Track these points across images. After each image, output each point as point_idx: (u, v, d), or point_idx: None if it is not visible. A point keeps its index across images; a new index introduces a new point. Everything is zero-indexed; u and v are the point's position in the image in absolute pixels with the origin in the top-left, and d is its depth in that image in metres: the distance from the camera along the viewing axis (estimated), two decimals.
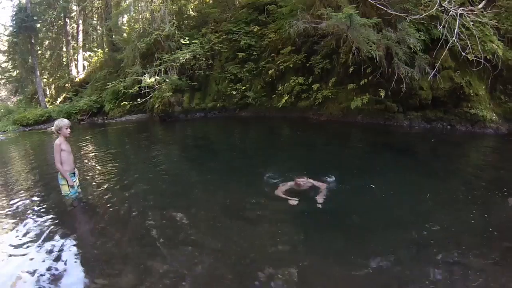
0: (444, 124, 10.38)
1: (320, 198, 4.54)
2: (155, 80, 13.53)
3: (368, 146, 8.71)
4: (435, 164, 7.06)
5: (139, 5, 20.36)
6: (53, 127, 4.91)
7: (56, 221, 4.39)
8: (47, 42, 25.78)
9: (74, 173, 4.87)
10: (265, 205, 4.56)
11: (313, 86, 12.34)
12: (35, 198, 5.41)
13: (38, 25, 21.93)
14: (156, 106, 13.60)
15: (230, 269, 3.24)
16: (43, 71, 24.48)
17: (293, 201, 4.46)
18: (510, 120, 10.63)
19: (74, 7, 24.11)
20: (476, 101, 10.10)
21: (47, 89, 24.49)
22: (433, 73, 9.45)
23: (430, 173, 6.24)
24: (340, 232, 3.89)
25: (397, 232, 3.88)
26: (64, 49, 24.59)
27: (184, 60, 13.58)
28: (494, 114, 10.12)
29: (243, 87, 13.71)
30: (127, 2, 22.21)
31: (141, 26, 16.21)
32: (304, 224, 4.15)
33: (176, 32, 14.60)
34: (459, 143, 8.97)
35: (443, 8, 8.99)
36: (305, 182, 4.79)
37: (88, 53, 24.38)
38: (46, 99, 21.87)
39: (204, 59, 14.11)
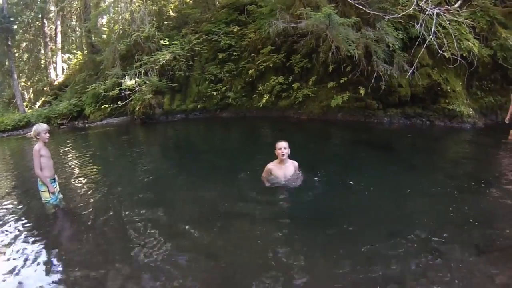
0: (423, 120, 10.61)
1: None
2: (136, 82, 13.37)
3: (349, 143, 8.85)
4: (415, 158, 7.23)
5: (119, 5, 20.11)
6: (31, 132, 4.85)
7: (37, 228, 4.31)
8: (24, 44, 25.16)
9: (54, 179, 4.80)
10: (247, 206, 4.56)
11: (293, 85, 12.44)
12: (15, 205, 5.30)
13: (15, 27, 21.36)
14: (137, 108, 13.43)
15: (216, 271, 3.24)
16: (20, 74, 23.90)
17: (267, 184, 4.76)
18: (486, 115, 11.00)
19: (52, 8, 23.57)
20: (453, 97, 10.37)
21: (25, 93, 23.95)
22: (411, 70, 9.66)
23: (410, 168, 6.40)
24: (323, 230, 3.91)
25: (380, 227, 3.95)
26: (42, 51, 24.03)
27: (164, 61, 13.48)
28: (471, 109, 10.43)
29: (224, 88, 13.70)
30: (106, 2, 21.92)
31: (120, 27, 15.99)
32: (287, 223, 4.16)
33: (156, 33, 14.46)
34: (437, 138, 9.23)
35: (420, 7, 9.19)
36: (286, 146, 4.81)
37: (67, 55, 23.92)
38: (24, 103, 21.33)
39: (184, 60, 14.02)
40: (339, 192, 4.99)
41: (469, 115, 10.23)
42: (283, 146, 4.76)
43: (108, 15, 20.73)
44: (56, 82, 21.64)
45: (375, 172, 6.07)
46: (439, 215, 4.13)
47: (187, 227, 4.14)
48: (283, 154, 4.75)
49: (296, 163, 5.02)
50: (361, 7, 9.71)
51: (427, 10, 9.12)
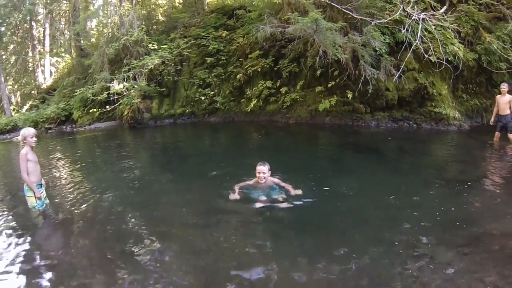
0: (410, 123, 10.75)
1: (294, 191, 4.74)
2: (124, 86, 13.31)
3: (336, 147, 8.91)
4: (401, 161, 7.36)
5: (108, 9, 20.00)
6: (19, 137, 4.81)
7: (23, 234, 4.23)
8: (11, 46, 24.84)
9: (41, 184, 4.74)
10: (232, 209, 4.57)
11: (281, 89, 12.52)
12: (0, 211, 5.19)
13: (3, 29, 21.16)
14: (125, 113, 13.36)
15: (201, 275, 3.23)
16: (7, 78, 23.59)
17: (234, 196, 4.72)
18: (472, 117, 11.22)
19: (41, 10, 23.33)
20: (439, 100, 10.54)
21: (12, 96, 23.61)
22: (398, 74, 9.77)
23: (397, 170, 6.48)
24: (309, 234, 3.92)
25: (366, 230, 3.97)
26: (30, 54, 23.68)
27: (152, 65, 13.44)
28: (457, 112, 10.61)
29: (212, 92, 13.75)
30: (96, 6, 21.75)
31: (109, 31, 15.88)
32: (272, 227, 4.16)
33: (145, 37, 14.43)
34: (424, 140, 9.34)
35: (406, 13, 9.31)
36: (265, 171, 4.79)
37: (55, 58, 23.61)
38: (12, 107, 20.97)
39: (172, 64, 14.03)
40: (326, 195, 5.00)
41: (455, 117, 10.41)
42: (262, 171, 4.78)
43: (97, 18, 20.53)
44: (44, 86, 21.36)
45: (362, 175, 6.14)
46: (425, 217, 4.17)
47: (173, 230, 4.14)
48: (262, 178, 4.80)
49: (276, 180, 5.02)
50: (348, 12, 9.82)
51: (413, 15, 9.25)
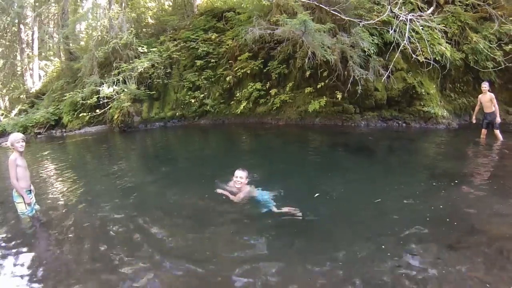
0: (400, 122, 10.87)
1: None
2: (114, 90, 13.19)
3: (326, 147, 9.00)
4: (391, 160, 7.48)
5: (97, 12, 19.80)
6: (7, 142, 4.74)
7: (12, 241, 4.19)
8: (0, 50, 24.43)
9: (30, 190, 4.70)
10: (224, 212, 4.58)
11: (270, 91, 12.56)
12: None
13: None
14: (115, 117, 13.25)
15: (194, 278, 3.23)
16: None
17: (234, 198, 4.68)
18: (460, 116, 11.41)
19: (29, 13, 22.98)
20: (427, 99, 10.69)
21: (1, 100, 23.28)
22: (386, 74, 9.87)
23: (386, 169, 6.59)
24: (299, 234, 3.95)
25: (356, 229, 4.03)
26: (19, 57, 23.37)
27: (142, 69, 13.37)
28: (445, 111, 10.77)
29: (202, 95, 13.73)
30: (85, 9, 21.54)
31: (99, 34, 15.72)
32: (263, 228, 4.16)
33: (134, 40, 14.32)
34: (413, 139, 9.49)
35: (394, 14, 9.39)
36: (243, 177, 4.77)
37: (44, 62, 23.35)
38: (0, 112, 20.71)
39: (162, 67, 13.97)
40: (316, 195, 5.02)
41: (443, 116, 10.57)
42: (239, 175, 4.80)
43: (86, 21, 20.32)
44: (33, 90, 21.05)
45: (351, 175, 6.21)
46: (414, 215, 4.26)
47: (164, 234, 4.12)
48: (238, 183, 4.81)
49: (254, 194, 4.92)
50: (336, 13, 9.86)
51: (400, 16, 9.33)
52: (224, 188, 5.10)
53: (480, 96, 8.54)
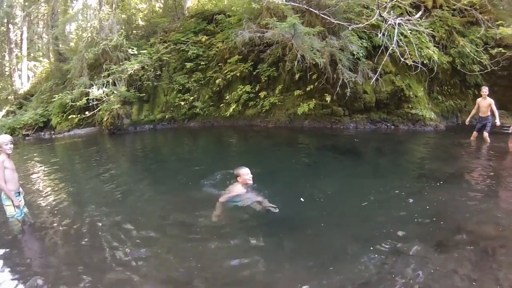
0: (388, 124, 10.99)
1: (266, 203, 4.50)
2: (103, 92, 13.09)
3: (315, 150, 9.06)
4: (379, 161, 7.58)
5: (87, 13, 19.68)
6: None
7: (2, 244, 4.14)
8: None
9: (19, 193, 4.64)
10: (210, 215, 4.52)
11: (260, 94, 12.60)
12: None
13: None
14: (105, 119, 13.13)
15: (187, 281, 3.22)
16: None
17: (217, 214, 4.45)
18: (447, 118, 11.60)
19: (18, 13, 22.73)
20: (415, 102, 10.83)
21: None
22: (375, 77, 9.98)
23: (375, 171, 6.68)
24: (288, 236, 3.98)
25: (345, 230, 4.08)
26: (7, 58, 23.10)
27: (132, 71, 13.27)
28: (433, 113, 10.95)
29: (191, 98, 13.70)
30: (75, 9, 21.39)
31: (89, 35, 15.61)
32: (252, 230, 4.17)
33: (125, 42, 14.23)
34: (402, 141, 9.62)
35: (383, 18, 9.51)
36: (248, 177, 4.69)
37: (33, 62, 23.07)
38: None
39: (152, 69, 13.89)
40: (304, 197, 5.04)
41: (431, 118, 10.73)
42: (248, 172, 4.71)
43: (76, 22, 20.18)
44: (21, 91, 20.83)
45: (340, 176, 6.27)
46: (401, 215, 4.32)
47: (153, 238, 4.12)
48: (251, 179, 4.71)
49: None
50: (326, 17, 9.95)
51: (389, 20, 9.45)
52: (232, 196, 4.84)
53: (479, 100, 8.52)
